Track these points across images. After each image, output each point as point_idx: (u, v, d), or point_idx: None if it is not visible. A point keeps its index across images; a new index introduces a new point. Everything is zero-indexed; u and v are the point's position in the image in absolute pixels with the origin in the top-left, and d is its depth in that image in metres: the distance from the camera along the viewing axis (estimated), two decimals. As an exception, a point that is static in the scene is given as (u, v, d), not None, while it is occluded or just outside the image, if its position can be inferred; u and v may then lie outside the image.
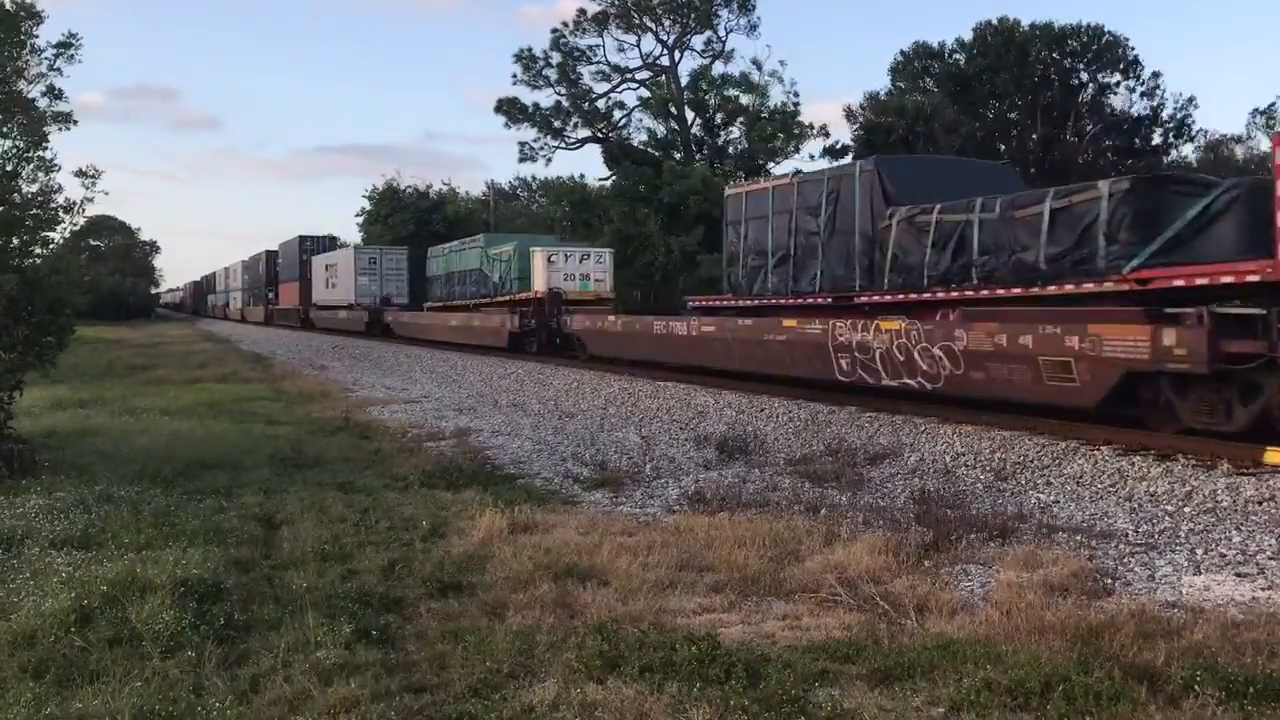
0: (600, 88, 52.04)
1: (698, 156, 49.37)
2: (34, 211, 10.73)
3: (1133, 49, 42.15)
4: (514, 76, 52.19)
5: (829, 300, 16.54)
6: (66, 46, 10.90)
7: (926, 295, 14.36)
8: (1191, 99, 42.93)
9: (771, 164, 49.59)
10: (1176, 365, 10.10)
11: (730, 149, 50.42)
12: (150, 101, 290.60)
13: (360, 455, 11.62)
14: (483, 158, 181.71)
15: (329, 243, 56.38)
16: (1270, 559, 6.88)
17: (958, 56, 43.65)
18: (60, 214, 10.90)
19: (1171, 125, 42.37)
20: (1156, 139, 42.56)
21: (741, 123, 49.10)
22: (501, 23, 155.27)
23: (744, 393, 16.78)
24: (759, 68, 48.57)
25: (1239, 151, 42.34)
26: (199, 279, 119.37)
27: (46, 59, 10.82)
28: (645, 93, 51.89)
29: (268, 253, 64.68)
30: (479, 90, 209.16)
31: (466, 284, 36.63)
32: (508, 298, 31.54)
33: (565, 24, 51.58)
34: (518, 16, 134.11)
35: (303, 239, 56.35)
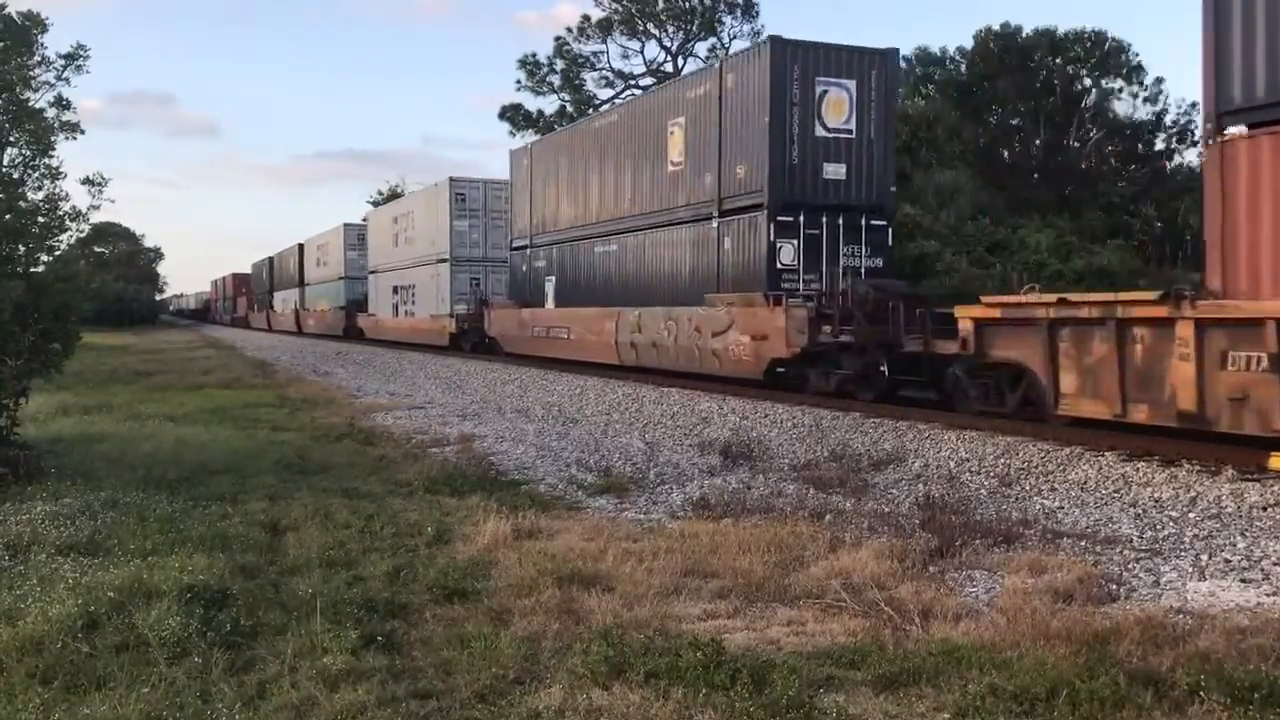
0: (604, 94, 52.35)
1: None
2: (40, 219, 10.78)
3: (1135, 55, 42.13)
4: (518, 83, 52.54)
5: None
6: (74, 58, 10.97)
7: None
8: (1195, 104, 42.83)
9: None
10: None
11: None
12: (148, 107, 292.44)
13: (364, 461, 11.63)
14: (482, 162, 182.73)
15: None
16: (1275, 564, 6.87)
17: (959, 63, 43.66)
18: (66, 221, 10.96)
19: (1175, 130, 42.32)
20: (1160, 144, 42.57)
21: (744, 129, 49.16)
22: (498, 28, 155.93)
23: (747, 399, 16.78)
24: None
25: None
26: (249, 270, 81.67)
27: (55, 69, 10.89)
28: (648, 99, 52.09)
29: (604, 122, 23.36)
30: (477, 95, 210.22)
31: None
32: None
33: (570, 30, 51.97)
34: (514, 22, 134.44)
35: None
